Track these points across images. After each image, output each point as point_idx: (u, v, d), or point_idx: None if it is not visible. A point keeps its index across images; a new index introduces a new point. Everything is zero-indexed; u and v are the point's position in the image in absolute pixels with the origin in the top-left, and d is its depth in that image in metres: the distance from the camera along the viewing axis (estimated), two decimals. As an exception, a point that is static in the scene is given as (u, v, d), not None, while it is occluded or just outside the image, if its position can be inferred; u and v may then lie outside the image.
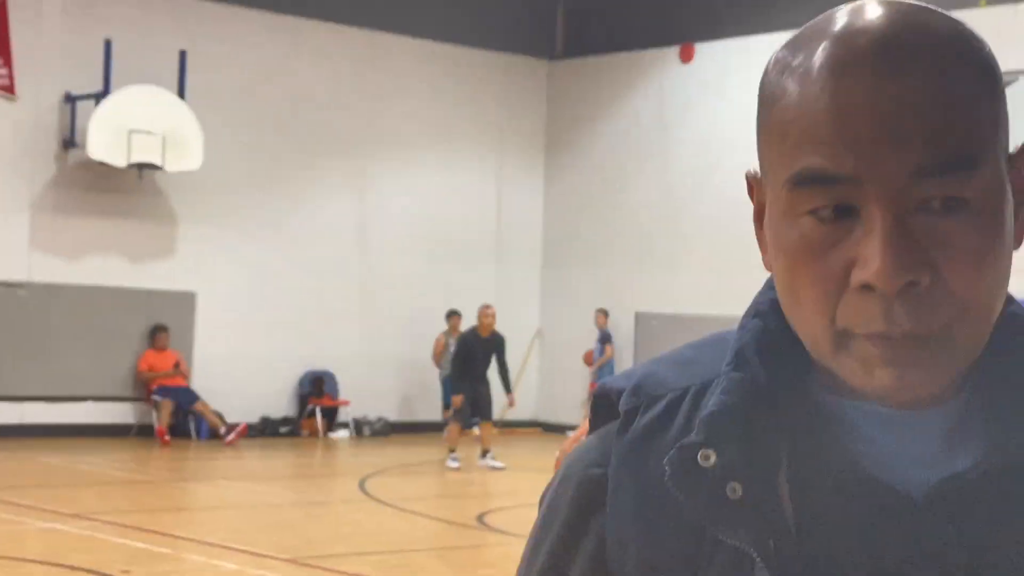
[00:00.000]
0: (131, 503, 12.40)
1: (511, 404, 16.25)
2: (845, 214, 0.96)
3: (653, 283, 19.63)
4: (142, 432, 17.46)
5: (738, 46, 18.78)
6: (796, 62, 0.98)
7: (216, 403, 17.78)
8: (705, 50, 19.24)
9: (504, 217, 20.93)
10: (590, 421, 1.12)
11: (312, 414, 18.73)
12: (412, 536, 11.02)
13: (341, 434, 18.86)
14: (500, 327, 16.10)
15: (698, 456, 1.01)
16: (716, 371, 1.06)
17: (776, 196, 0.99)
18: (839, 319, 0.96)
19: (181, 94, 17.39)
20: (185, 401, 17.62)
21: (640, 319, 19.51)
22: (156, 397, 17.41)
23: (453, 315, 18.77)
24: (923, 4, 0.99)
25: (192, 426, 17.74)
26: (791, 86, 0.98)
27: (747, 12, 18.70)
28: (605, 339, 19.43)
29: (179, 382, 17.66)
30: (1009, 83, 14.23)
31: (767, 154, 1.00)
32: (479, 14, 20.38)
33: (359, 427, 19.05)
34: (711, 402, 1.03)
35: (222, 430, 17.46)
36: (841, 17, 0.98)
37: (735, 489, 1.00)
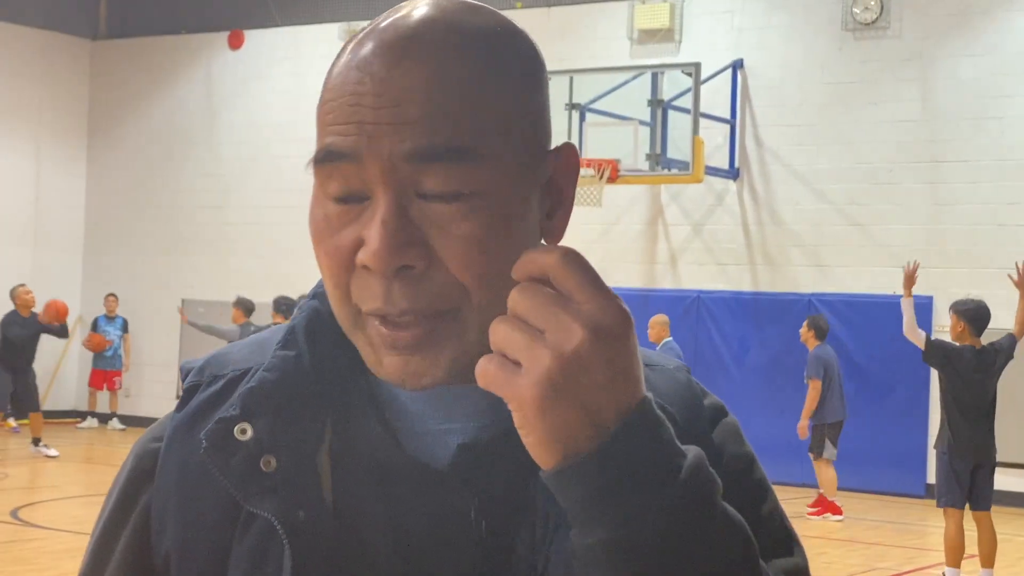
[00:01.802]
0: None
1: None
2: (360, 197, 0.99)
3: (200, 269, 19.47)
4: None
5: (286, 35, 18.90)
6: (345, 50, 1.02)
7: None
8: (254, 37, 19.24)
9: (43, 200, 20.14)
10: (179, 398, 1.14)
11: None
12: None
13: None
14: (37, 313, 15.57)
15: (235, 430, 1.04)
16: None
17: (314, 176, 1.03)
18: (353, 297, 1.00)
19: None
20: None
21: (187, 305, 19.30)
22: None
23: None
24: (474, 4, 1.03)
25: None
26: (331, 74, 1.02)
27: (295, 3, 18.85)
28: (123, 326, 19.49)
29: None
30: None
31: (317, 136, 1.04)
32: (16, -13, 19.49)
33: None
34: (253, 378, 1.07)
35: None
36: (392, 14, 1.02)
37: (269, 462, 1.03)
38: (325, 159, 0.99)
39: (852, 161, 15.19)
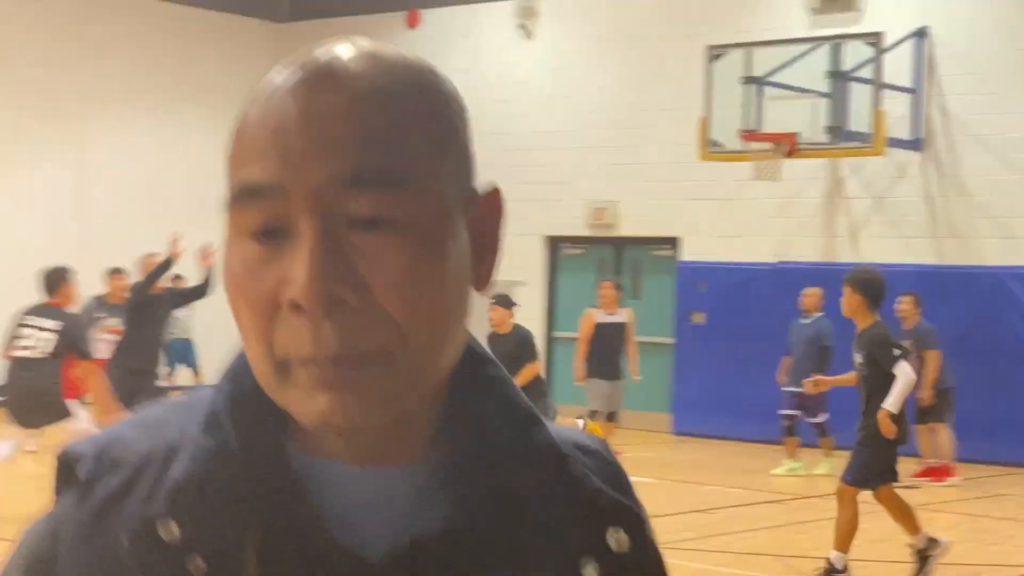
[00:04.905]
0: None
1: None
2: (283, 234, 0.92)
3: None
4: None
5: (463, 13, 19.04)
6: (261, 87, 0.97)
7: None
8: (431, 16, 19.43)
9: (231, 180, 20.71)
10: (55, 485, 1.03)
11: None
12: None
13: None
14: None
15: (160, 529, 0.95)
16: (186, 433, 1.00)
17: (227, 223, 0.96)
18: (277, 346, 0.92)
19: None
20: None
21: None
22: None
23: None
24: (399, 49, 0.99)
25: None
26: (248, 109, 0.96)
27: (472, -21, 18.98)
28: None
29: None
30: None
31: (226, 182, 0.97)
32: (203, -27, 20.05)
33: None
34: (178, 470, 0.97)
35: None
36: (315, 48, 0.98)
37: (198, 565, 0.94)
38: (245, 196, 0.93)
39: (1043, 130, 14.68)
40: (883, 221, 15.71)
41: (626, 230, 17.63)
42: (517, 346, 12.12)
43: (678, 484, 13.01)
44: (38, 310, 10.34)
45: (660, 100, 17.05)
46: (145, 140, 19.64)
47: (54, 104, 18.65)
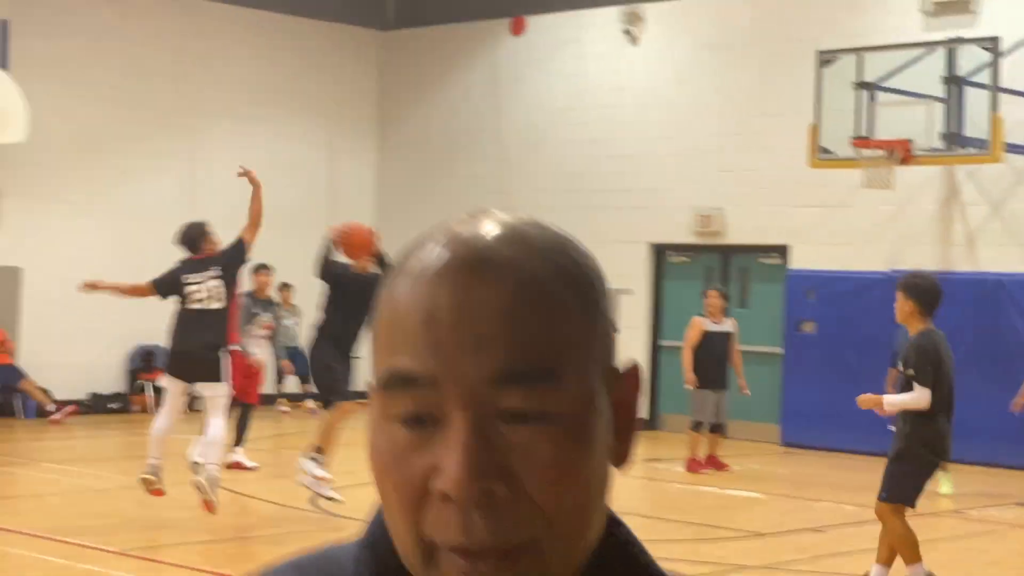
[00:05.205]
0: (-46, 491, 12.07)
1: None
2: (432, 421, 0.94)
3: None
4: (-35, 412, 17.01)
5: (568, 19, 18.93)
6: (408, 265, 0.98)
7: (43, 380, 17.40)
8: (536, 23, 19.36)
9: (336, 189, 20.82)
10: None
11: (142, 389, 18.47)
12: (246, 522, 10.98)
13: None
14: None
15: None
16: None
17: (373, 402, 0.97)
18: (424, 531, 0.94)
19: (3, 64, 16.88)
20: (10, 379, 17.22)
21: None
22: (-21, 376, 16.99)
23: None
24: (535, 220, 1.00)
25: (18, 405, 17.36)
26: (395, 289, 0.97)
27: (577, -15, 18.86)
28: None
29: (3, 360, 17.25)
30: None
31: (372, 358, 0.99)
32: (310, -17, 20.18)
33: (192, 403, 18.79)
34: None
35: (50, 407, 17.13)
36: (455, 224, 0.99)
37: None
38: (395, 384, 0.95)
39: None
40: (1001, 229, 15.30)
41: (733, 238, 17.39)
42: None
43: (787, 499, 12.75)
44: (193, 266, 10.73)
45: (768, 106, 16.79)
46: (256, 150, 19.78)
47: (168, 117, 18.91)
